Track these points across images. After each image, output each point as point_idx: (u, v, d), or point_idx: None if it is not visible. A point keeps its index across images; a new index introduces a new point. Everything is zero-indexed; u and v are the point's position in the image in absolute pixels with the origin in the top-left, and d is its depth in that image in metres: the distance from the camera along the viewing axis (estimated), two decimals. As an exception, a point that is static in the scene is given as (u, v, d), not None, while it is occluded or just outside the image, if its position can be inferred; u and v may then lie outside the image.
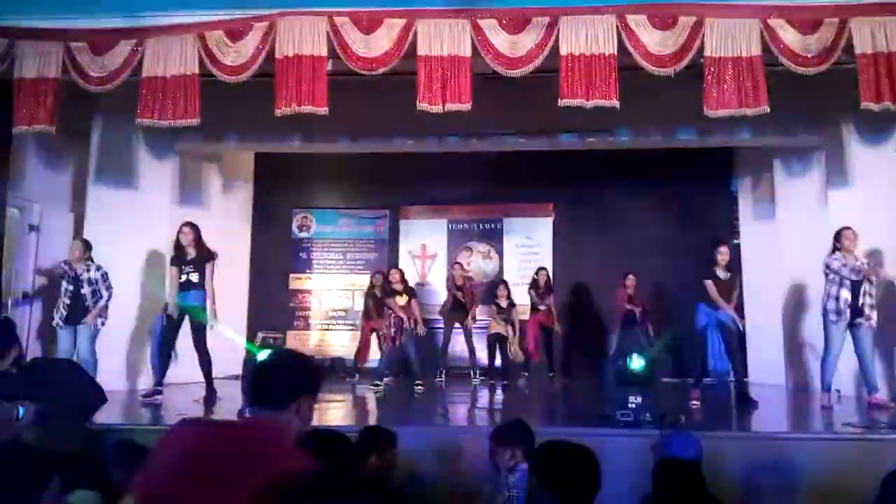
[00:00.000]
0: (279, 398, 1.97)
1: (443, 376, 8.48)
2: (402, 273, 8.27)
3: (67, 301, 6.41)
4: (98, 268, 6.51)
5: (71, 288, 6.41)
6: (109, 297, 6.50)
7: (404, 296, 8.02)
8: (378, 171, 9.58)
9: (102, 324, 6.49)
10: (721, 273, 6.55)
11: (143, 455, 3.13)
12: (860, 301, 6.12)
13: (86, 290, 6.42)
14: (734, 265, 6.86)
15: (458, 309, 8.60)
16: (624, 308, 8.50)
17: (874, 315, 6.13)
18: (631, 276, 8.54)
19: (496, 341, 8.49)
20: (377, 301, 8.33)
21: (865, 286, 6.15)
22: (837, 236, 6.26)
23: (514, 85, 6.23)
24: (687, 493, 2.76)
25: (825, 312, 6.25)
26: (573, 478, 2.21)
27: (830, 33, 5.76)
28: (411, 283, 8.57)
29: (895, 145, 6.96)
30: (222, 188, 9.13)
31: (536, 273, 8.87)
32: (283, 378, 2.03)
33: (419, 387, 7.65)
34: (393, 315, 7.92)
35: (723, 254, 6.58)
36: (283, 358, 2.30)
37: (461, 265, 8.95)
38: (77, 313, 6.39)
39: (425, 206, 10.33)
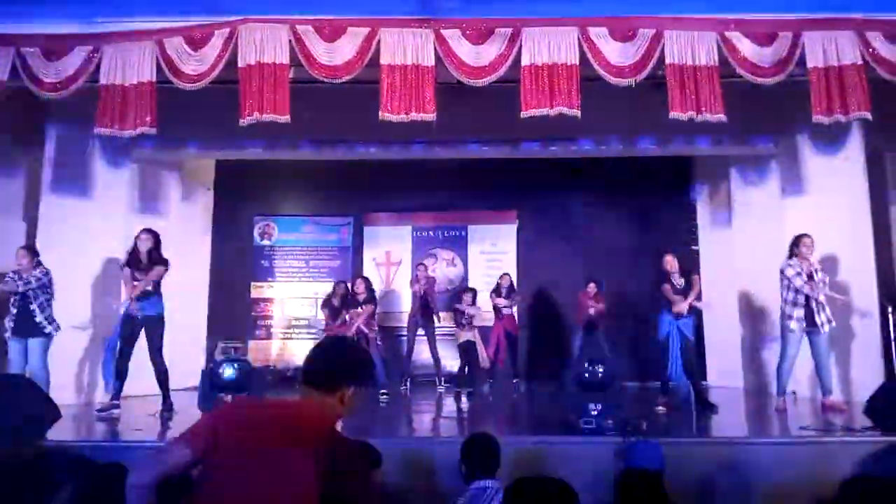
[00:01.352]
0: (325, 382, 2.07)
1: (407, 384, 8.44)
2: (367, 282, 8.20)
3: (15, 311, 6.16)
4: (45, 272, 6.23)
5: (19, 298, 6.15)
6: (49, 299, 6.22)
7: (368, 305, 7.97)
8: (342, 178, 9.52)
9: (55, 329, 6.23)
10: (676, 280, 6.67)
11: (94, 471, 3.05)
12: (814, 307, 6.28)
13: (35, 302, 6.14)
14: (691, 270, 6.97)
15: (425, 314, 8.57)
16: (586, 312, 8.58)
17: (828, 320, 6.29)
18: (592, 284, 8.63)
19: (467, 349, 8.48)
20: (333, 311, 8.26)
21: (816, 293, 6.30)
22: (796, 242, 6.40)
23: (477, 94, 6.26)
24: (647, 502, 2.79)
25: (782, 318, 6.39)
26: None
27: (785, 46, 5.95)
28: (376, 291, 8.53)
29: (846, 154, 7.19)
30: (182, 196, 8.96)
31: (500, 278, 8.90)
32: (332, 364, 2.12)
33: (384, 396, 7.60)
34: (355, 325, 7.86)
35: (669, 262, 6.72)
36: (335, 344, 2.41)
37: (425, 266, 8.88)
38: (27, 324, 6.13)
39: (390, 213, 10.30)
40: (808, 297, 6.26)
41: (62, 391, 6.08)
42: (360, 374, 2.14)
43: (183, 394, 6.97)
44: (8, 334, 6.17)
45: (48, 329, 6.18)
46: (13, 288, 6.10)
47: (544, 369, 9.17)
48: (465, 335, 8.48)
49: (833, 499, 2.46)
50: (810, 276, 6.28)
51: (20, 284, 6.11)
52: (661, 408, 6.39)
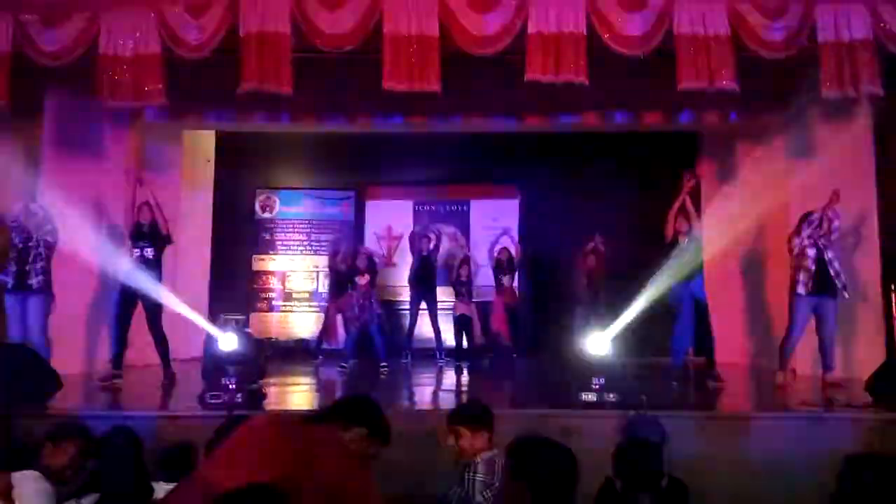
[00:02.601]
0: (335, 416, 2.25)
1: (409, 357, 8.46)
2: (369, 256, 8.20)
3: (15, 265, 6.00)
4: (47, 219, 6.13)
5: (21, 250, 6.01)
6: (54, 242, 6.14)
7: (366, 275, 7.97)
8: (343, 151, 9.46)
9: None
10: (681, 242, 6.64)
11: (83, 435, 3.06)
12: (829, 271, 6.19)
13: (34, 251, 6.01)
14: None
15: (425, 278, 8.56)
16: (585, 269, 8.52)
17: (843, 286, 6.19)
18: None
19: (463, 322, 8.50)
20: (338, 280, 8.25)
21: (829, 254, 6.22)
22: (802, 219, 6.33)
23: (481, 66, 6.17)
24: (647, 475, 2.79)
25: (793, 287, 6.32)
26: (552, 479, 2.18)
27: (795, 19, 5.84)
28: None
29: (853, 128, 7.08)
30: (183, 167, 8.90)
31: (499, 252, 8.87)
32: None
33: (384, 368, 7.62)
34: (357, 295, 7.87)
35: (680, 223, 6.65)
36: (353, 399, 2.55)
37: (429, 238, 8.82)
38: (24, 278, 5.97)
39: (391, 187, 10.24)
40: (821, 263, 6.19)
41: (65, 358, 6.06)
42: (364, 419, 2.27)
43: (187, 364, 7.00)
44: (9, 285, 6.01)
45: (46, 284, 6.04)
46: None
47: (546, 343, 9.16)
48: (462, 308, 8.49)
49: (838, 475, 2.44)
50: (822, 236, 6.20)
51: (34, 244, 6.01)
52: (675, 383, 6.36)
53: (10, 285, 6.04)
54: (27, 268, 5.99)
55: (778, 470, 4.33)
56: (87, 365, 7.20)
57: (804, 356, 6.89)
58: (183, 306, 6.47)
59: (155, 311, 6.43)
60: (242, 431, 1.91)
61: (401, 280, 9.61)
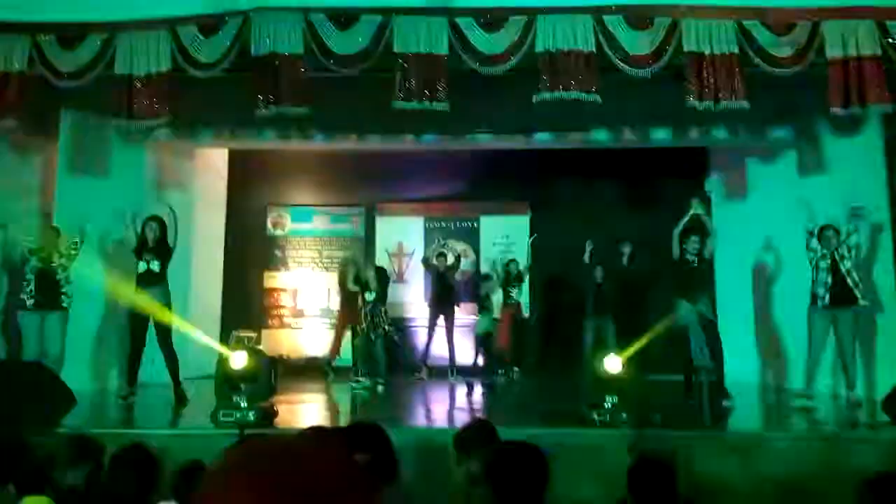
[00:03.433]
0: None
1: (424, 373, 8.44)
2: (380, 272, 8.22)
3: (34, 283, 6.20)
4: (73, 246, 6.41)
5: (39, 270, 6.21)
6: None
7: (374, 293, 7.99)
8: (354, 167, 9.51)
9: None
10: (690, 258, 6.62)
11: (99, 454, 3.06)
12: (845, 280, 6.15)
13: (60, 275, 6.28)
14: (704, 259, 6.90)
15: (444, 298, 8.56)
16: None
17: (862, 296, 6.14)
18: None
19: (486, 338, 8.48)
20: (349, 294, 8.28)
21: (846, 266, 6.18)
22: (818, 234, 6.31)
23: (490, 83, 6.21)
24: (661, 496, 2.76)
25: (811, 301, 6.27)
26: (524, 483, 2.14)
27: (803, 36, 5.84)
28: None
29: (864, 143, 7.04)
30: (195, 184, 8.98)
31: (507, 265, 8.85)
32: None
33: (381, 385, 7.61)
34: (365, 310, 7.88)
35: (692, 242, 6.63)
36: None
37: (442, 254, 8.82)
38: (49, 296, 6.20)
39: (402, 203, 10.27)
40: (837, 274, 6.15)
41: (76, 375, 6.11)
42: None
43: (199, 382, 7.01)
44: (29, 306, 6.18)
45: (67, 303, 6.26)
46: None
47: (556, 360, 9.13)
48: (485, 324, 8.43)
49: (858, 495, 2.41)
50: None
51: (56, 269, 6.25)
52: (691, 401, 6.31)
53: (29, 304, 6.19)
54: (47, 287, 6.17)
55: (794, 491, 4.29)
56: (98, 382, 7.23)
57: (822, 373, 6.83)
58: (187, 325, 6.50)
59: (166, 329, 6.45)
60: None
61: (412, 296, 9.61)
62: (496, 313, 8.73)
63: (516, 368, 8.68)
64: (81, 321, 6.75)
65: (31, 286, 6.22)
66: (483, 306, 8.73)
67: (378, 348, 7.80)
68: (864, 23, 5.86)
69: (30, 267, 6.28)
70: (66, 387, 5.07)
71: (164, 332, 6.45)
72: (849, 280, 6.17)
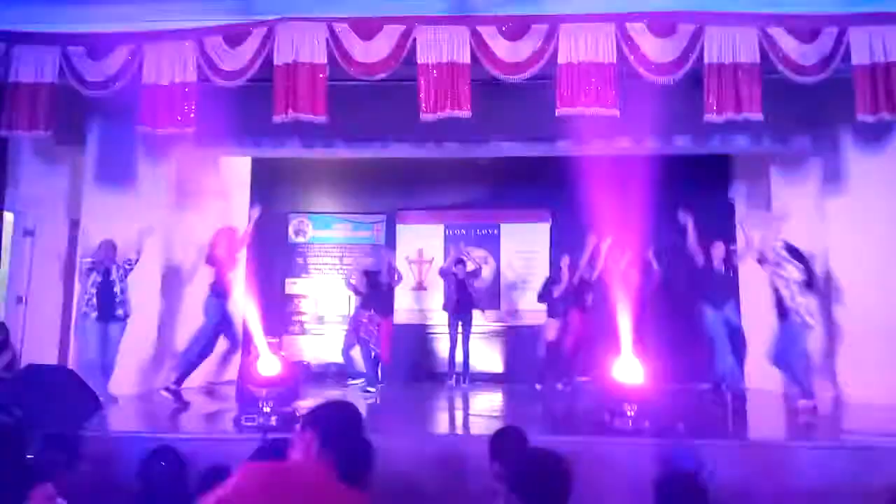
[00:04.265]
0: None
1: (454, 380, 8.43)
2: (368, 277, 8.30)
3: (96, 295, 6.56)
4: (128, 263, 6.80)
5: (101, 281, 6.59)
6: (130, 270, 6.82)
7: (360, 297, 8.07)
8: (375, 175, 9.56)
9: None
10: (716, 264, 6.66)
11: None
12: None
13: (117, 286, 6.66)
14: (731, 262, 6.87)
15: (464, 304, 8.53)
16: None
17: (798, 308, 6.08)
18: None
19: (558, 344, 8.22)
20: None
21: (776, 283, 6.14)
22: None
23: (512, 91, 6.24)
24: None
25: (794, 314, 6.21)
26: (549, 490, 2.15)
27: (829, 42, 5.79)
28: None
29: (889, 152, 6.97)
30: (218, 192, 9.07)
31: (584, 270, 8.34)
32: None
33: (368, 394, 7.65)
34: (356, 315, 8.02)
35: (717, 248, 6.69)
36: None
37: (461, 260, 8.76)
38: (110, 307, 6.60)
39: (422, 210, 10.31)
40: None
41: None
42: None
43: (223, 387, 7.09)
44: (93, 316, 6.53)
45: (123, 314, 6.67)
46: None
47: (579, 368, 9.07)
48: (554, 326, 8.28)
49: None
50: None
51: (115, 282, 6.67)
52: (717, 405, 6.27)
53: (94, 315, 6.55)
54: (110, 298, 6.60)
55: (817, 500, 4.23)
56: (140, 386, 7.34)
57: (846, 379, 6.75)
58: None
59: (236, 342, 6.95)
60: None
61: (432, 304, 9.62)
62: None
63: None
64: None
65: (94, 298, 6.55)
66: (555, 312, 8.34)
67: (365, 356, 7.82)
68: (891, 27, 5.81)
69: (91, 279, 6.63)
70: (91, 390, 5.14)
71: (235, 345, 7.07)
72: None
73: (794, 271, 6.06)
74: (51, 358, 6.84)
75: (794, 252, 6.15)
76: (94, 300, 6.56)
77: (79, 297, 6.77)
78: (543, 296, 8.47)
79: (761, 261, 6.27)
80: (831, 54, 5.79)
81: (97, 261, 6.64)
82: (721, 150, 8.02)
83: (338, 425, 2.09)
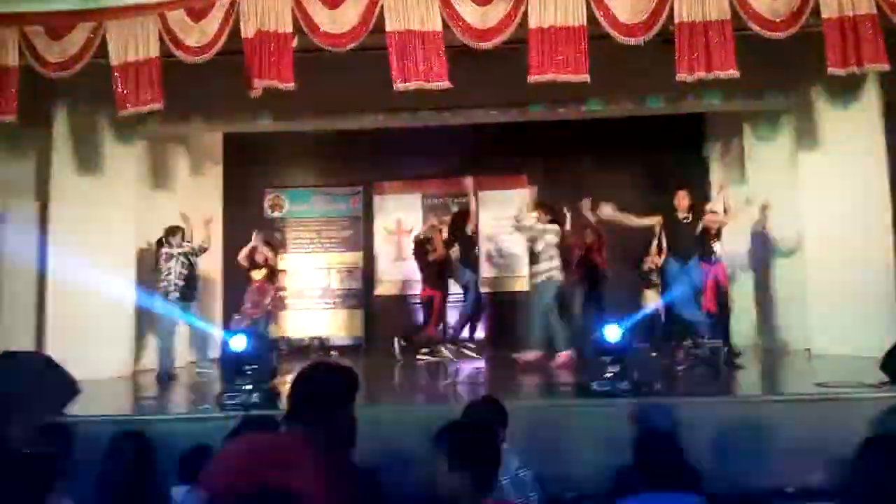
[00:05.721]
0: (305, 413, 1.98)
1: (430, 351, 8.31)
2: (267, 245, 8.22)
3: (184, 277, 7.15)
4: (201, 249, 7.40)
5: (187, 265, 7.18)
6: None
7: (262, 270, 7.97)
8: (350, 147, 9.46)
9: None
10: (681, 215, 6.74)
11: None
12: None
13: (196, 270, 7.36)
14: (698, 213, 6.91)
15: (438, 275, 8.38)
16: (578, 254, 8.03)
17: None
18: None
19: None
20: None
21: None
22: None
23: (483, 57, 6.17)
24: (667, 466, 2.79)
25: None
26: (483, 456, 2.10)
27: (798, -4, 5.78)
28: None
29: (861, 106, 7.01)
30: (190, 170, 8.96)
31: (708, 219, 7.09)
32: (311, 391, 2.02)
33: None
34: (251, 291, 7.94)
35: (680, 198, 6.73)
36: (311, 370, 2.15)
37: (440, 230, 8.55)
38: (192, 289, 7.28)
39: (399, 181, 10.25)
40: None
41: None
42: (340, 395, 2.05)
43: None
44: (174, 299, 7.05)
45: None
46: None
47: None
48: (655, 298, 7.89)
49: (855, 457, 2.43)
50: None
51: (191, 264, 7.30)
52: (679, 366, 6.39)
53: (172, 297, 7.08)
54: (194, 282, 7.32)
55: (794, 452, 4.33)
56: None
57: (822, 334, 6.88)
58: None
59: None
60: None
61: (413, 275, 9.62)
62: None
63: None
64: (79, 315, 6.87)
65: (175, 280, 7.07)
66: (650, 283, 8.06)
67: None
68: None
69: (174, 262, 7.13)
70: (71, 376, 5.11)
71: None
72: None
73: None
74: (26, 344, 6.76)
75: None
76: (175, 285, 7.05)
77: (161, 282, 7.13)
78: (640, 274, 8.33)
79: None
80: (800, 8, 5.78)
81: (178, 247, 7.16)
82: (694, 109, 8.03)
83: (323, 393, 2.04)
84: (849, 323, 6.57)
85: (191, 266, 7.23)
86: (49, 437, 3.68)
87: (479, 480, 2.02)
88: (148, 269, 7.61)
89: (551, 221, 7.09)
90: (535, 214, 7.07)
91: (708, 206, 6.99)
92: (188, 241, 7.30)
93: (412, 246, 8.55)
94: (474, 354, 8.02)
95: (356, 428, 2.05)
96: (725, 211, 6.91)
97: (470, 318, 8.30)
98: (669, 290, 6.67)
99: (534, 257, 7.07)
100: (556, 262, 6.91)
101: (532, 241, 7.15)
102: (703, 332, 6.59)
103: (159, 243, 7.28)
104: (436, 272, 8.11)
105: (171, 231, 7.24)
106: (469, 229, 8.06)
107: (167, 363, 7.00)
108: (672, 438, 3.08)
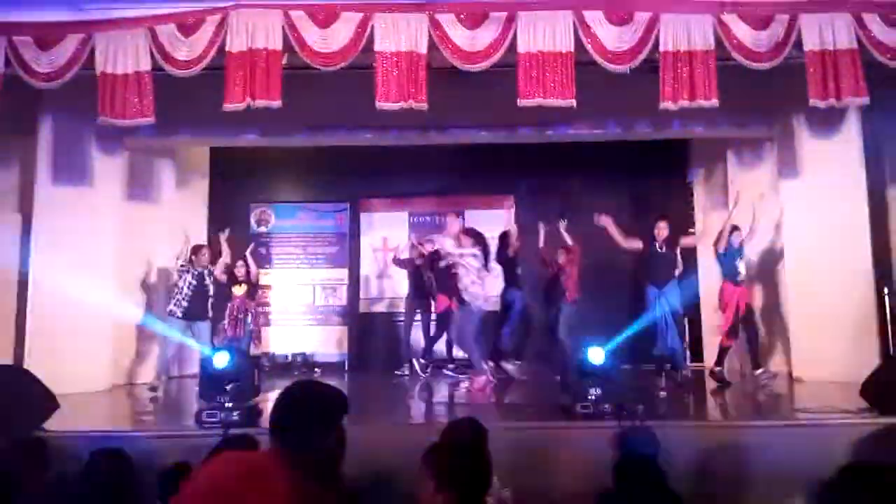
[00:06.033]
0: (287, 433, 1.91)
1: (411, 369, 8.31)
2: (245, 261, 8.13)
3: (190, 295, 7.07)
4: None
5: (195, 284, 7.09)
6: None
7: (243, 285, 7.93)
8: (337, 163, 9.47)
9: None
10: (658, 247, 6.82)
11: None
12: None
13: (211, 290, 7.26)
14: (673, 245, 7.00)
15: (421, 292, 8.50)
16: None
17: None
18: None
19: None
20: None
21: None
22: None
23: (473, 78, 6.23)
24: (649, 492, 2.79)
25: None
26: (470, 477, 2.11)
27: (781, 29, 5.90)
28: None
29: (843, 137, 7.14)
30: (176, 183, 8.92)
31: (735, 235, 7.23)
32: (296, 411, 1.94)
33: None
34: (231, 306, 7.84)
35: (660, 228, 6.82)
36: (298, 389, 2.04)
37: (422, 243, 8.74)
38: (200, 307, 7.15)
39: (386, 199, 10.27)
40: None
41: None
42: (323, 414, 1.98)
43: (186, 381, 7.02)
44: (178, 315, 7.01)
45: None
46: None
47: (541, 353, 9.15)
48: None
49: (829, 484, 2.45)
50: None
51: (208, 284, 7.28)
52: (661, 391, 6.41)
53: (178, 314, 7.02)
54: (204, 301, 7.21)
55: (775, 479, 4.35)
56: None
57: (799, 358, 6.95)
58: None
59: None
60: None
61: (398, 292, 9.61)
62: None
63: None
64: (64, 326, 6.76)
65: (189, 295, 7.05)
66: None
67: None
68: (841, 15, 5.94)
69: (185, 280, 7.13)
70: (49, 390, 5.04)
71: None
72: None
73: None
74: (5, 357, 6.65)
75: None
76: (185, 301, 7.02)
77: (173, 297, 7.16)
78: None
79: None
80: (783, 41, 5.91)
81: (194, 265, 7.17)
82: (679, 135, 8.14)
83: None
84: (829, 348, 6.65)
85: (203, 285, 7.19)
86: (20, 453, 3.63)
87: (465, 501, 2.02)
88: (145, 284, 7.95)
89: (475, 245, 6.93)
90: (450, 241, 7.03)
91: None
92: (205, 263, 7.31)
93: (496, 243, 8.14)
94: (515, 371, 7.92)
95: (343, 451, 2.00)
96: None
97: (512, 334, 8.20)
98: (647, 315, 6.70)
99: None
100: (478, 290, 6.81)
101: (454, 266, 7.09)
102: (680, 361, 6.70)
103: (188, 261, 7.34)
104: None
105: (195, 250, 7.37)
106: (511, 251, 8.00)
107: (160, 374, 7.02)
108: (654, 463, 3.09)
